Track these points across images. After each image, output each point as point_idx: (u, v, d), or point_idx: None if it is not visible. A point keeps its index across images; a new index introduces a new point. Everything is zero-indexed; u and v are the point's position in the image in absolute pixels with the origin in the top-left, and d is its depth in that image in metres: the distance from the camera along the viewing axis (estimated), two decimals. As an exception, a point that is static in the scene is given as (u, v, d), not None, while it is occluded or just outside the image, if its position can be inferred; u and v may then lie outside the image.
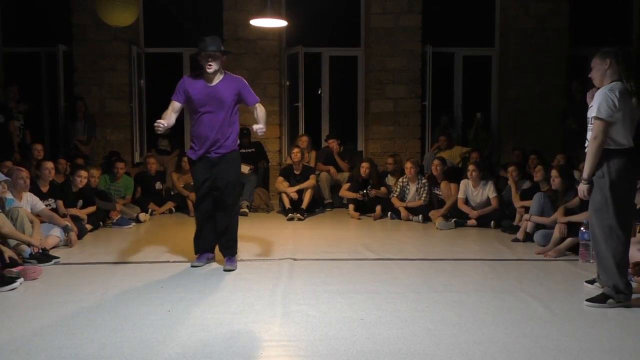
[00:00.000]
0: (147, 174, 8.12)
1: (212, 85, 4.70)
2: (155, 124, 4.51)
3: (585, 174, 3.79)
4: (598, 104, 3.72)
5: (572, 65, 9.07)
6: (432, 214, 7.27)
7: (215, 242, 4.99)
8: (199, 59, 4.70)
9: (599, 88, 3.84)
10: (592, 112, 3.75)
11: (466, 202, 7.13)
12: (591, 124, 3.78)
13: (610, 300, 3.79)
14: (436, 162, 7.61)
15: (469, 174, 7.07)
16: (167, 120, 4.63)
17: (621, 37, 9.81)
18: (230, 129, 4.78)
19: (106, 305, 3.81)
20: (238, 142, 4.91)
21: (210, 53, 4.62)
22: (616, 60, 3.77)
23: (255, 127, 4.62)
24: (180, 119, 9.56)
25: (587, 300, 3.85)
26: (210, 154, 4.72)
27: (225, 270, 4.72)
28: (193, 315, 3.59)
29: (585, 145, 3.84)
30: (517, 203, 6.63)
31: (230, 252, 4.91)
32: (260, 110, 4.79)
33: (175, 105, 4.76)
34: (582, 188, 3.83)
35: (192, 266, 4.86)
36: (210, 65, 4.64)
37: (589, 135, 3.80)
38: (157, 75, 9.65)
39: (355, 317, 3.55)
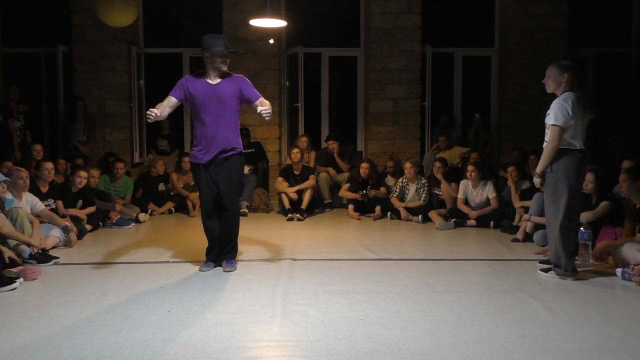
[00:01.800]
0: (150, 175, 8.13)
1: (214, 83, 4.64)
2: (147, 112, 4.40)
3: (538, 170, 4.49)
4: (554, 113, 4.35)
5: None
6: (431, 214, 7.28)
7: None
8: (210, 57, 4.59)
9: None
10: (549, 120, 4.38)
11: (466, 202, 7.14)
12: (548, 128, 4.41)
13: (551, 272, 4.55)
14: (437, 164, 7.60)
15: (468, 174, 7.07)
16: (160, 111, 4.49)
17: (620, 37, 9.83)
18: (234, 130, 4.72)
19: (106, 306, 3.81)
20: (242, 145, 4.82)
21: (226, 53, 4.60)
22: (572, 75, 4.43)
23: (260, 108, 4.49)
24: (180, 119, 9.72)
25: (540, 270, 4.67)
26: (217, 157, 4.64)
27: (225, 272, 4.72)
28: (193, 316, 3.59)
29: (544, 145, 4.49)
30: (517, 203, 6.63)
31: (230, 256, 4.88)
32: (263, 101, 4.68)
33: (172, 100, 4.64)
34: (536, 181, 4.56)
35: (200, 270, 4.75)
36: (225, 64, 4.61)
37: (547, 137, 4.43)
38: (157, 75, 9.64)
39: (355, 317, 3.55)
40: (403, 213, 7.44)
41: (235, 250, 4.93)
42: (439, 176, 7.43)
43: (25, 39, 9.58)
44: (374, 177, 7.93)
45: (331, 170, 8.58)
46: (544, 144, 4.49)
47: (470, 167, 7.10)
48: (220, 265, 4.84)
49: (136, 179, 8.22)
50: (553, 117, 4.34)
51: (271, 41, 9.12)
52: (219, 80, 4.65)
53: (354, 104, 9.98)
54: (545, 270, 4.62)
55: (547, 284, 4.38)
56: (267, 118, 4.52)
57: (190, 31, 9.46)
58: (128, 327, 3.39)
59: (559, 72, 4.45)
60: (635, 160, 5.84)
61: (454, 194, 7.24)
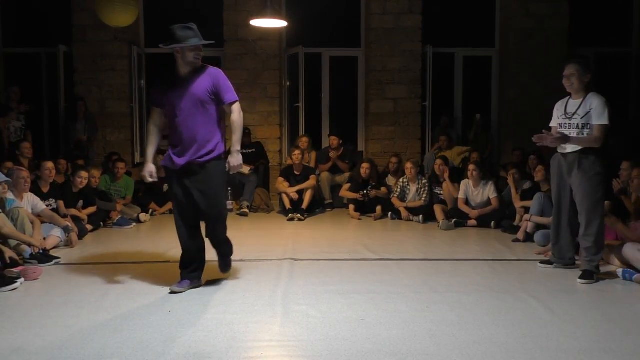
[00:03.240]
0: (158, 175, 8.11)
1: (185, 78, 4.06)
2: (142, 175, 4.29)
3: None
4: (607, 112, 4.32)
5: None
6: (436, 207, 7.21)
7: (203, 266, 4.37)
8: (181, 51, 4.00)
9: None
10: (602, 120, 4.33)
11: (466, 202, 7.14)
12: (581, 128, 4.40)
13: (595, 276, 4.42)
14: (439, 161, 7.60)
15: (469, 173, 7.08)
16: (152, 149, 4.24)
17: (621, 37, 9.82)
18: (212, 131, 4.10)
19: (106, 306, 3.81)
20: (224, 147, 4.19)
21: (200, 46, 4.03)
22: (592, 75, 4.49)
23: (229, 160, 4.08)
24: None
25: (580, 277, 4.41)
26: (192, 162, 4.07)
27: (221, 271, 4.46)
28: (193, 316, 3.60)
29: (573, 146, 4.46)
30: (518, 203, 6.63)
31: (225, 254, 4.46)
32: (236, 116, 4.10)
33: (156, 112, 4.22)
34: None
35: (171, 292, 4.11)
36: (197, 58, 4.04)
37: (581, 135, 4.41)
38: (157, 76, 9.62)
39: (356, 318, 3.55)
40: (404, 213, 7.44)
41: (229, 247, 4.47)
42: (445, 176, 7.39)
43: (26, 39, 9.58)
44: (374, 178, 7.94)
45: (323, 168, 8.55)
46: (582, 141, 4.41)
47: (471, 167, 7.11)
48: (198, 286, 4.29)
49: (141, 179, 8.20)
50: (607, 116, 4.34)
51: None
52: (191, 75, 4.06)
53: (354, 104, 9.99)
54: (586, 278, 4.40)
55: (547, 284, 4.38)
56: (231, 172, 4.19)
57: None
58: (129, 327, 3.39)
59: (583, 72, 4.47)
60: (635, 160, 5.83)
61: (456, 194, 7.24)
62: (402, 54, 9.27)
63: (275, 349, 3.12)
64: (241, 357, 2.97)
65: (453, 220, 6.96)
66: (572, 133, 4.46)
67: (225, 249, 4.46)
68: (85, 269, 4.89)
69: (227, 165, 4.13)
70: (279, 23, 8.02)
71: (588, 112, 4.40)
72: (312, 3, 9.50)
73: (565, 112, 4.55)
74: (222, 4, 9.26)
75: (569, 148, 4.49)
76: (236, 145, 4.10)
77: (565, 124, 4.52)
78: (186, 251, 4.30)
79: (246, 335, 3.29)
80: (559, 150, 4.61)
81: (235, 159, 4.10)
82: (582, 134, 4.42)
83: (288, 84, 9.64)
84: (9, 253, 4.67)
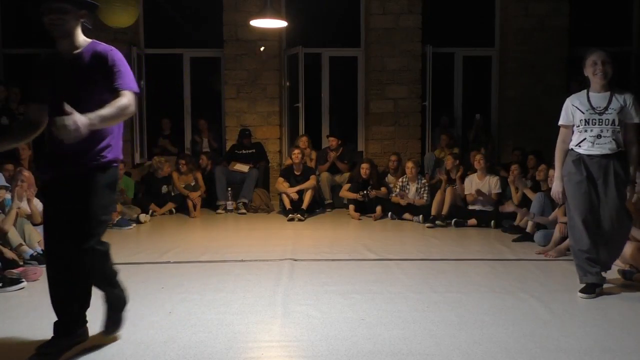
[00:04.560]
0: (154, 176, 8.13)
1: (65, 59, 3.01)
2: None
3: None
4: None
5: (572, 65, 9.08)
6: (435, 200, 7.20)
7: (81, 308, 3.12)
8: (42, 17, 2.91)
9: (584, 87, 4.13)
10: (636, 118, 3.96)
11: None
12: (616, 124, 3.91)
13: (598, 289, 4.01)
14: (450, 158, 7.60)
15: (476, 163, 7.11)
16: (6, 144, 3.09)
17: (621, 37, 9.83)
18: (100, 135, 2.90)
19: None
20: (118, 153, 3.03)
21: (54, 6, 2.87)
22: None
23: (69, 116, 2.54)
24: (180, 119, 9.71)
25: (580, 290, 4.02)
26: (68, 170, 2.94)
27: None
28: (194, 316, 3.60)
29: (603, 147, 3.95)
30: (517, 203, 6.63)
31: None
32: (123, 100, 2.81)
33: (30, 108, 3.16)
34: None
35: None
36: (55, 24, 2.92)
37: (615, 136, 3.93)
38: (157, 76, 9.64)
39: (356, 318, 3.55)
40: (405, 199, 7.46)
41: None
42: (458, 175, 7.35)
43: (26, 39, 9.58)
44: (374, 178, 7.94)
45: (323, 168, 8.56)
46: (608, 146, 3.92)
47: (478, 157, 7.14)
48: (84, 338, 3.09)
49: (140, 180, 8.20)
50: None
51: (262, 48, 9.16)
52: (75, 52, 3.01)
53: (354, 104, 9.99)
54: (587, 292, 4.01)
55: (547, 284, 4.38)
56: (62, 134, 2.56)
57: (191, 32, 9.45)
58: (129, 328, 3.38)
59: (613, 63, 3.98)
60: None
61: (463, 193, 7.23)
62: (402, 54, 9.27)
63: (275, 349, 3.12)
64: (241, 358, 2.97)
65: (453, 221, 6.96)
66: (605, 131, 3.91)
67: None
68: (85, 270, 4.88)
69: (63, 121, 2.54)
70: (279, 23, 8.03)
71: (623, 108, 3.92)
72: (312, 3, 9.50)
73: (593, 107, 3.97)
74: (222, 4, 9.25)
75: (600, 150, 3.94)
76: (92, 116, 2.65)
77: (595, 119, 3.94)
78: (57, 293, 3.13)
79: (246, 335, 3.29)
80: (579, 151, 4.01)
81: (79, 120, 2.55)
82: (616, 131, 3.91)
83: (288, 84, 9.63)
84: (9, 254, 4.67)
